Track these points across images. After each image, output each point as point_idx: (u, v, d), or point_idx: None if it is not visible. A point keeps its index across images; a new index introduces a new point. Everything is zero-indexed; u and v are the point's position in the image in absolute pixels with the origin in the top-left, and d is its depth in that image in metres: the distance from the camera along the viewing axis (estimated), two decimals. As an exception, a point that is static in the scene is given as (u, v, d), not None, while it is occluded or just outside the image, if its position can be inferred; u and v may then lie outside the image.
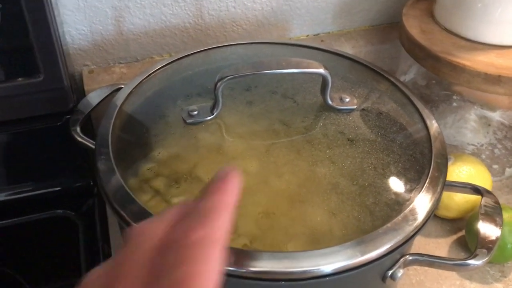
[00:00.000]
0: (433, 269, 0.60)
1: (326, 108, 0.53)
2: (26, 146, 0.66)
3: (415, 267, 0.60)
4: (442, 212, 0.65)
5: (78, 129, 0.57)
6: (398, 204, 0.46)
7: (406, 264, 0.48)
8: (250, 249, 0.43)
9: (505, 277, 0.62)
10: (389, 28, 0.83)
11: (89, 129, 0.67)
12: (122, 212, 0.45)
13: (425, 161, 0.50)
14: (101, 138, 0.51)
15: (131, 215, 0.44)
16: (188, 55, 0.62)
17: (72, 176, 0.69)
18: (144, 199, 0.46)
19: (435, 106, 0.66)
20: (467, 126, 0.66)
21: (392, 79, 0.59)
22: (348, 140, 0.50)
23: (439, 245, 0.64)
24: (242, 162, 0.50)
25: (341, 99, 0.53)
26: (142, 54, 0.75)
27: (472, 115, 0.65)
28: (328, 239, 0.44)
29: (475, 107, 0.64)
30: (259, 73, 0.48)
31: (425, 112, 0.55)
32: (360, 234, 0.44)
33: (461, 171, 0.64)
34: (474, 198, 0.63)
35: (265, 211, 0.45)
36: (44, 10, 0.56)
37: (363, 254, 0.42)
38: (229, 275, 0.39)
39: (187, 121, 0.51)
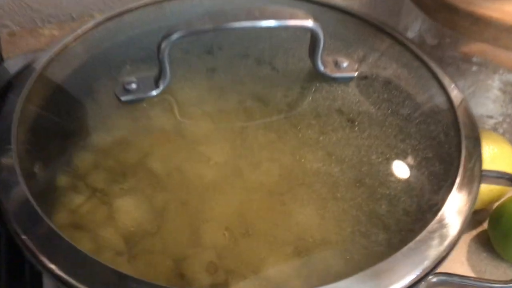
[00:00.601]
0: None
1: (317, 76, 0.39)
2: None
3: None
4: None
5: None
6: (421, 211, 0.33)
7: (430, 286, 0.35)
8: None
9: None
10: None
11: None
12: (22, 236, 0.31)
13: (452, 146, 0.37)
14: (2, 120, 0.37)
15: (36, 242, 0.30)
16: (135, 8, 0.47)
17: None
18: (76, 202, 0.35)
19: (448, 71, 0.53)
20: (489, 96, 0.53)
21: (398, 36, 0.46)
22: (348, 120, 0.36)
23: (456, 244, 0.52)
24: (204, 149, 0.36)
25: (337, 64, 0.39)
26: (78, 11, 0.60)
27: (496, 81, 0.52)
28: (322, 252, 0.33)
29: (500, 71, 0.52)
30: (222, 27, 0.34)
31: (446, 79, 0.42)
32: (370, 256, 0.31)
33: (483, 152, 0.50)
34: (500, 186, 0.50)
35: (237, 213, 0.34)
36: None
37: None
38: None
39: (122, 98, 0.37)
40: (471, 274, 0.45)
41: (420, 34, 0.58)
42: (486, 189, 0.52)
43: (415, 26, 0.60)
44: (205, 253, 0.32)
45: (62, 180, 0.36)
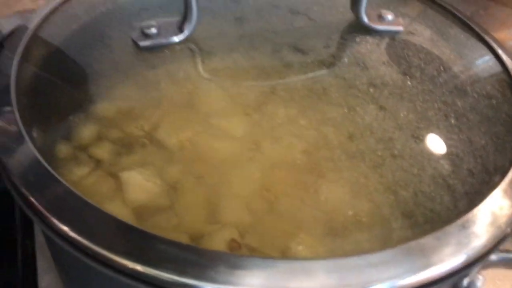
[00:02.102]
0: None
1: (360, 28, 0.35)
2: None
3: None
4: None
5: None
6: (488, 173, 0.29)
7: (487, 266, 0.30)
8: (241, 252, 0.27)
9: None
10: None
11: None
12: (31, 199, 0.26)
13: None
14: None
15: (47, 204, 0.25)
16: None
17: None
18: (78, 174, 0.30)
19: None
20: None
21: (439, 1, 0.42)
22: (399, 74, 0.32)
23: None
24: (228, 115, 0.32)
25: (381, 17, 0.35)
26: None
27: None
28: (357, 230, 0.28)
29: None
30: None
31: (493, 42, 0.38)
32: (424, 226, 0.27)
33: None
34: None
35: (260, 189, 0.29)
36: None
37: (426, 267, 0.23)
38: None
39: (141, 44, 0.32)
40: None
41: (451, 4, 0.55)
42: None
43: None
44: (226, 230, 0.28)
45: (63, 149, 0.32)
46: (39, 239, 0.45)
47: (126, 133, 0.32)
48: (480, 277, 0.30)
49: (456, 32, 0.39)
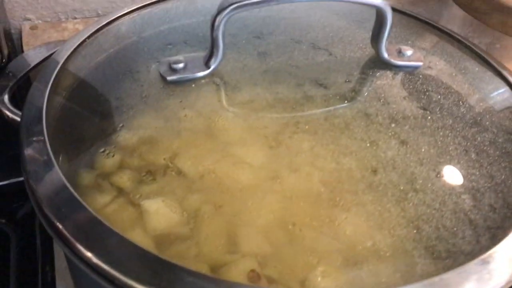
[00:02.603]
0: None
1: (380, 64, 0.35)
2: None
3: None
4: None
5: (5, 98, 0.38)
6: (503, 216, 0.29)
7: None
8: (260, 283, 0.27)
9: None
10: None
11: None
12: (58, 225, 0.26)
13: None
14: (30, 110, 0.33)
15: (73, 230, 0.26)
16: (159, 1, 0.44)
17: (2, 169, 0.49)
18: (101, 202, 0.31)
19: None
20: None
21: (453, 34, 0.42)
22: (420, 109, 0.33)
23: None
24: (248, 145, 0.32)
25: (400, 53, 0.36)
26: (105, 6, 0.56)
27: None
28: (377, 263, 0.28)
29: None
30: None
31: (510, 76, 0.38)
32: (446, 261, 0.27)
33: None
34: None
35: (280, 219, 0.30)
36: None
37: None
38: None
39: (168, 78, 0.33)
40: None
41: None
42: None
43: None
44: (246, 260, 0.28)
45: (87, 177, 0.32)
46: (59, 265, 0.45)
47: (148, 162, 0.33)
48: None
49: (473, 65, 0.39)
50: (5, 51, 0.46)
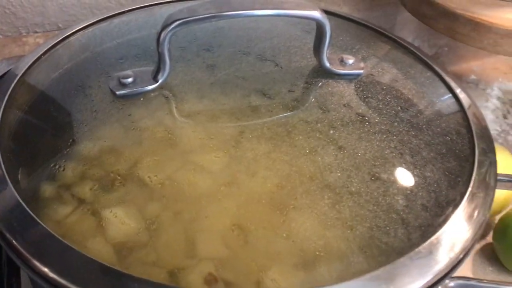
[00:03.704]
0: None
1: (323, 73, 0.37)
2: None
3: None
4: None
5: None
6: (440, 207, 0.31)
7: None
8: (217, 286, 0.28)
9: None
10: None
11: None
12: (14, 242, 0.28)
13: (465, 144, 0.35)
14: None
15: (28, 246, 0.27)
16: (122, 12, 0.45)
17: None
18: (62, 213, 0.32)
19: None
20: (488, 105, 0.52)
21: (400, 40, 0.44)
22: (358, 115, 0.34)
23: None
24: (203, 153, 0.34)
25: (342, 61, 0.38)
26: (65, 19, 0.57)
27: (495, 89, 0.51)
28: (327, 262, 0.30)
29: (500, 79, 0.51)
30: (225, 15, 0.32)
31: (452, 82, 0.40)
32: (379, 259, 0.28)
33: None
34: (505, 194, 0.49)
35: (235, 223, 0.31)
36: None
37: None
38: None
39: (117, 92, 0.34)
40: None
41: (415, 44, 0.58)
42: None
43: (409, 37, 0.59)
44: (203, 264, 0.30)
45: (48, 190, 0.33)
46: (25, 279, 0.46)
47: (108, 172, 0.34)
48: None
49: (416, 72, 0.41)
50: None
